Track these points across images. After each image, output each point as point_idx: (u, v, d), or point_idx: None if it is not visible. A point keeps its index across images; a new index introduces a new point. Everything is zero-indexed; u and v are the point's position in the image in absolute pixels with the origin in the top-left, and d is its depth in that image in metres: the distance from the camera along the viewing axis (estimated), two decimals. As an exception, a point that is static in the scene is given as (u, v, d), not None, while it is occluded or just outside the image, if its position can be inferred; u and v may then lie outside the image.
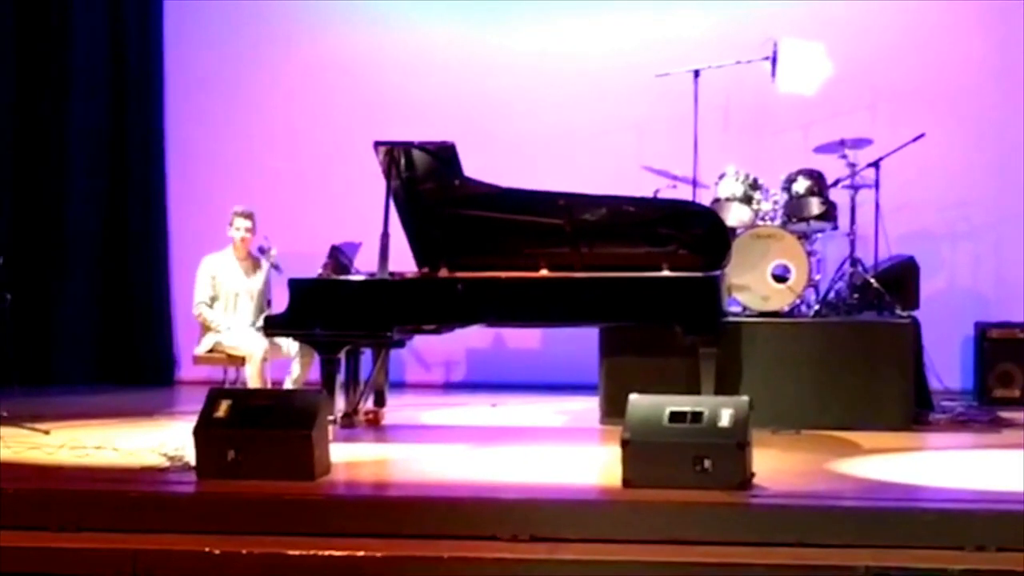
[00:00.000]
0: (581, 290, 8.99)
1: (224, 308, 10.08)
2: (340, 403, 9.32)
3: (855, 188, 10.55)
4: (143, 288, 12.84)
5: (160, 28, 12.90)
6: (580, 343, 10.39)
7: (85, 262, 12.71)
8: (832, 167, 10.49)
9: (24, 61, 12.64)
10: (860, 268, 10.37)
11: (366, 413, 9.75)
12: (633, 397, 7.40)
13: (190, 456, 7.68)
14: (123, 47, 12.87)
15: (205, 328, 10.08)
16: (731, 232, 9.76)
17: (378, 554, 6.55)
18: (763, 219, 10.27)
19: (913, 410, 9.64)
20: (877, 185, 10.50)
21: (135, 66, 12.88)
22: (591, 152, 12.03)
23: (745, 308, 9.97)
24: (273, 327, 9.26)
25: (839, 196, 10.48)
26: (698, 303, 8.91)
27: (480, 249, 9.46)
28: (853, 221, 10.53)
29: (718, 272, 9.05)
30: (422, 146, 9.27)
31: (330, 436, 7.95)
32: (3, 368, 9.32)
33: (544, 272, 9.21)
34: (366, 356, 9.81)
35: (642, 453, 7.19)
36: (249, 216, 10.17)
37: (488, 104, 12.37)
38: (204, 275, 10.15)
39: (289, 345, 9.74)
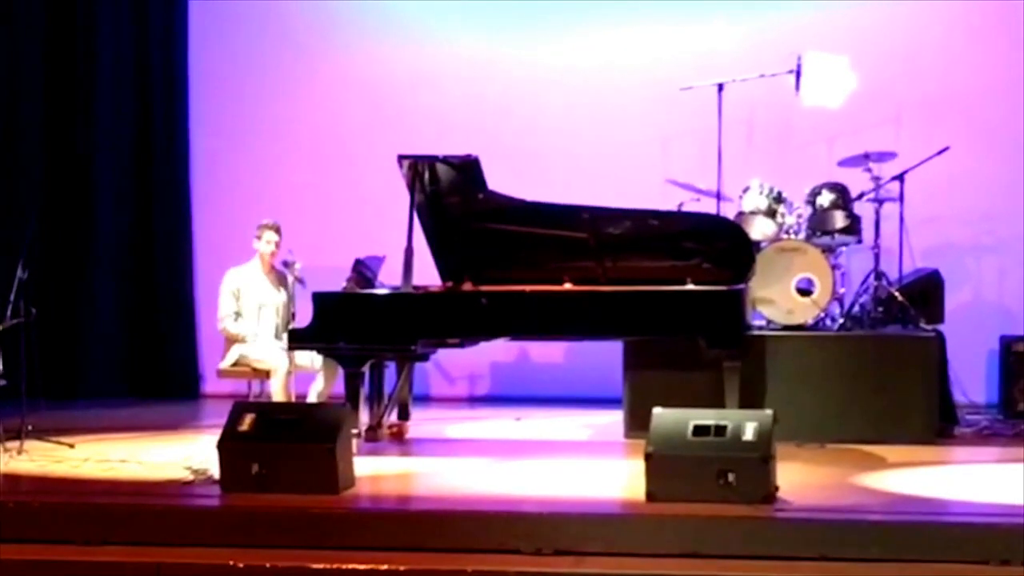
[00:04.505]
0: (605, 304, 8.97)
1: (249, 321, 10.07)
2: (364, 417, 9.33)
3: (880, 201, 10.51)
4: (169, 302, 12.88)
5: (185, 43, 12.94)
6: (604, 357, 10.40)
7: (111, 278, 12.76)
8: (856, 180, 10.47)
9: (50, 77, 12.73)
10: (884, 282, 10.34)
11: (390, 427, 9.75)
12: (657, 411, 7.40)
13: (214, 470, 7.71)
14: (148, 63, 12.92)
15: (230, 341, 10.09)
16: (755, 246, 9.75)
17: (401, 568, 6.57)
18: (787, 232, 10.27)
19: (938, 424, 9.62)
20: (902, 198, 10.47)
21: (160, 83, 12.93)
22: (615, 165, 12.01)
23: (769, 322, 9.96)
24: (298, 341, 9.24)
25: (863, 209, 10.46)
26: (722, 317, 8.89)
27: (504, 263, 9.46)
28: (878, 234, 10.49)
29: (742, 286, 9.04)
30: (446, 160, 9.28)
31: (354, 450, 7.98)
32: (30, 382, 9.38)
33: (568, 286, 9.21)
34: (390, 370, 9.83)
35: (666, 467, 7.19)
36: (277, 229, 10.16)
37: (512, 117, 12.37)
38: (227, 289, 10.15)
39: (313, 359, 9.73)
